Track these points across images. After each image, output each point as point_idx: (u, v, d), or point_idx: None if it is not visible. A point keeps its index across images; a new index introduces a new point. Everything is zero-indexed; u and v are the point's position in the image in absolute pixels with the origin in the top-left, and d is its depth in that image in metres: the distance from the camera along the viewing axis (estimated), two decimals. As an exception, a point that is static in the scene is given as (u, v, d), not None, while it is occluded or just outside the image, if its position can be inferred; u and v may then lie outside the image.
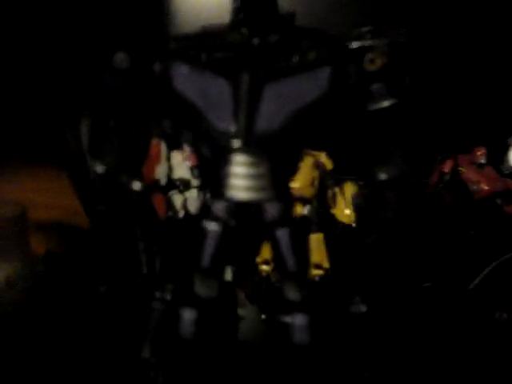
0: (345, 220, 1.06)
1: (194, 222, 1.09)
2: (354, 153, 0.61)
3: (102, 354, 0.80)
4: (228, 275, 0.62)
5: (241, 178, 0.56)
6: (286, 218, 0.57)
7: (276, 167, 0.56)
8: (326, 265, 0.93)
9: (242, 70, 0.55)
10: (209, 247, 0.58)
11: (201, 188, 1.13)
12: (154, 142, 0.90)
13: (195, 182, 1.11)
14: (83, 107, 1.30)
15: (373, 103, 0.58)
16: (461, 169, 1.10)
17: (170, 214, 0.96)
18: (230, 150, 0.55)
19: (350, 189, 1.09)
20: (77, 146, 1.29)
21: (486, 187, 1.08)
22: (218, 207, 0.57)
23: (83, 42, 1.27)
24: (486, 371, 0.75)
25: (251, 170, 0.56)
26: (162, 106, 0.59)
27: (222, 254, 0.59)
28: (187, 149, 1.05)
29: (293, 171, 0.66)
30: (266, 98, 0.55)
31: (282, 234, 0.57)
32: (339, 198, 1.08)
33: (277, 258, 0.58)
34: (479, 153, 1.10)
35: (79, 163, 1.30)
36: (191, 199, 1.10)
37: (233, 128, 0.54)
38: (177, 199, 1.01)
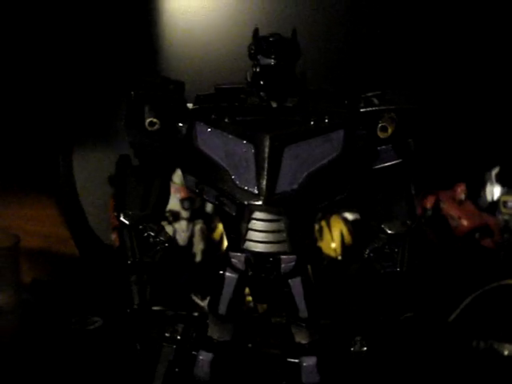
0: (331, 253, 1.09)
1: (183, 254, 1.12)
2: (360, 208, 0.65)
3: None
4: None
5: (259, 232, 0.58)
6: (300, 269, 0.60)
7: (293, 223, 0.58)
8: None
9: (263, 133, 0.57)
10: (226, 294, 0.61)
11: (189, 220, 1.15)
12: None
13: (185, 214, 1.13)
14: (77, 139, 1.32)
15: (378, 162, 0.62)
16: (442, 204, 1.13)
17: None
18: (252, 208, 0.57)
19: (337, 223, 1.13)
20: (68, 176, 1.30)
21: (467, 223, 1.12)
22: (237, 258, 0.60)
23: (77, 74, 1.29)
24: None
25: (270, 226, 0.58)
26: (185, 163, 0.61)
27: (238, 301, 0.62)
28: (177, 181, 1.08)
29: (309, 226, 0.69)
30: (285, 161, 0.57)
31: (296, 283, 0.60)
32: (325, 232, 1.11)
33: (289, 305, 0.61)
34: (460, 189, 1.14)
35: (70, 193, 1.31)
36: (180, 231, 1.13)
37: (255, 188, 0.57)
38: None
